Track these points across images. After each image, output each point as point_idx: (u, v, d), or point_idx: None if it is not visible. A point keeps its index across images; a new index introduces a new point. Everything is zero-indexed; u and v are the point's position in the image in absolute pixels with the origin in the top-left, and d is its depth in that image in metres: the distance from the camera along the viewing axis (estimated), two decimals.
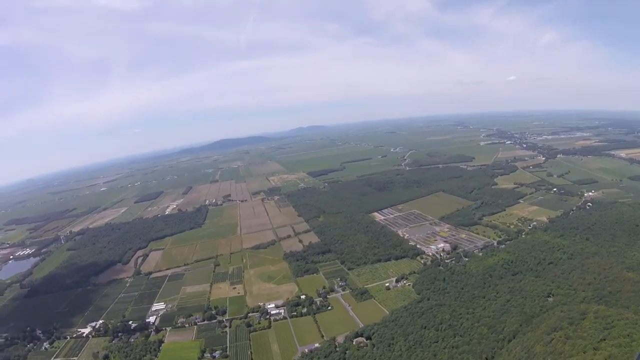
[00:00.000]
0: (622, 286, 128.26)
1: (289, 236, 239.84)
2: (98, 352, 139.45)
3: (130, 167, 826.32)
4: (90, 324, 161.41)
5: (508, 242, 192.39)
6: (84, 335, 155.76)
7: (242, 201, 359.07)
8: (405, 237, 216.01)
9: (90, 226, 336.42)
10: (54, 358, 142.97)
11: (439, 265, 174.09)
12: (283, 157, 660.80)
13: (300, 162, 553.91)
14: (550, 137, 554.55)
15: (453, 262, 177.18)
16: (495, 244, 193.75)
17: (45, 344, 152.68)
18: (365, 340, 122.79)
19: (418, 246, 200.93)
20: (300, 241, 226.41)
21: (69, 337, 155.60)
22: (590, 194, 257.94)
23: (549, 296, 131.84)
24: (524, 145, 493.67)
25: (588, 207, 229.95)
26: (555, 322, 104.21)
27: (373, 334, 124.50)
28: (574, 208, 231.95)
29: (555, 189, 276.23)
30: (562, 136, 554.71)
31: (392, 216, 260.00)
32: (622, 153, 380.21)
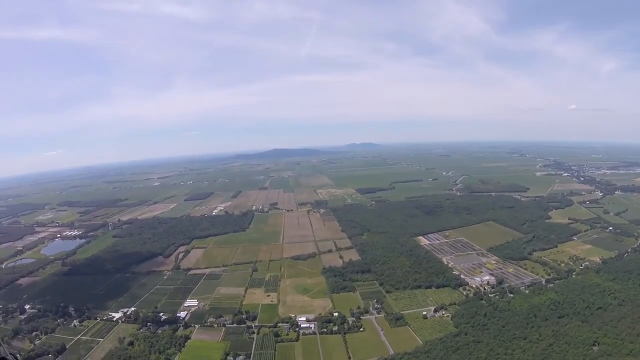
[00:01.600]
0: None
1: (330, 250, 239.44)
2: (124, 338, 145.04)
3: (185, 167, 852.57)
4: (122, 310, 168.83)
5: (557, 281, 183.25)
6: (114, 319, 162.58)
7: (288, 210, 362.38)
8: (450, 266, 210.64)
9: (139, 217, 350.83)
10: (81, 336, 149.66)
11: (482, 299, 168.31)
12: (333, 171, 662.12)
13: (349, 177, 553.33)
14: (609, 171, 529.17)
15: (497, 297, 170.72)
16: (544, 282, 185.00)
17: (75, 321, 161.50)
18: None
19: (462, 276, 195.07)
20: (341, 257, 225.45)
21: (99, 319, 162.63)
22: None
23: (594, 344, 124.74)
24: (582, 179, 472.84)
25: None
26: None
27: None
28: (629, 250, 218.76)
29: (611, 228, 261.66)
30: (622, 171, 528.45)
31: (437, 242, 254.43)
32: None
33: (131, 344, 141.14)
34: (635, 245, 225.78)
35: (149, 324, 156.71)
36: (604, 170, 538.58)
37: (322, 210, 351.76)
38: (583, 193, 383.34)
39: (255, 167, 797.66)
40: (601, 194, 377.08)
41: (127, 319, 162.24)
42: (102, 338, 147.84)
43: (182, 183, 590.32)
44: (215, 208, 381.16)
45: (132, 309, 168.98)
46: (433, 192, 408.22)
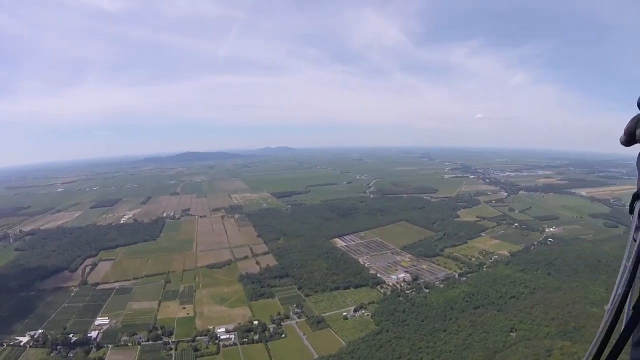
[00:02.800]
0: (586, 322, 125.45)
1: (246, 257, 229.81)
2: None
3: (92, 171, 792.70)
4: (29, 333, 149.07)
5: (469, 274, 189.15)
6: (22, 344, 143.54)
7: (201, 217, 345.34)
8: (366, 265, 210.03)
9: (42, 227, 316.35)
10: None
11: (399, 296, 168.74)
12: (248, 175, 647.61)
13: (265, 181, 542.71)
14: (512, 173, 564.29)
15: (413, 293, 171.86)
16: (457, 276, 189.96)
17: None
18: None
19: (378, 275, 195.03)
20: (258, 263, 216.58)
21: (5, 344, 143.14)
22: (551, 229, 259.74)
23: (511, 331, 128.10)
24: (487, 180, 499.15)
25: (549, 242, 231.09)
26: (520, 359, 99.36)
27: None
28: (535, 243, 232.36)
29: (516, 224, 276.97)
30: (525, 173, 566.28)
31: (353, 243, 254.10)
32: (583, 191, 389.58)
33: None
34: (541, 239, 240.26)
35: (59, 347, 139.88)
36: (508, 173, 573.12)
37: (237, 216, 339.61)
38: (489, 193, 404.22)
39: (167, 171, 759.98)
40: (506, 194, 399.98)
41: (35, 342, 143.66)
42: None
43: (87, 189, 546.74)
44: (124, 216, 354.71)
45: (40, 331, 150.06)
46: (347, 195, 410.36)
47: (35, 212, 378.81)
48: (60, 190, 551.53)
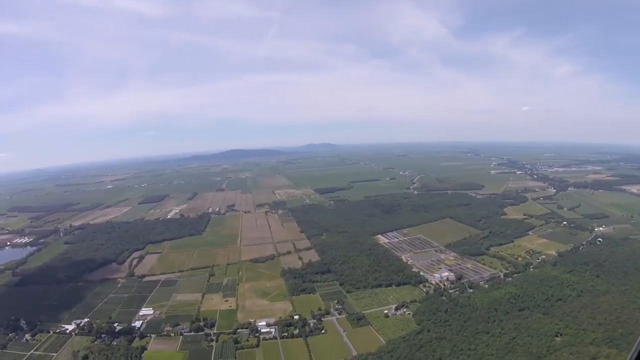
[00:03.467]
0: (634, 328, 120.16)
1: (289, 252, 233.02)
2: (78, 351, 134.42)
3: (140, 169, 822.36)
4: (75, 321, 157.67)
5: (515, 275, 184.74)
6: (68, 331, 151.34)
7: (245, 212, 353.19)
8: (409, 263, 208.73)
9: (91, 222, 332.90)
10: (34, 350, 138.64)
11: (442, 295, 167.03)
12: (292, 171, 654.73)
13: (308, 177, 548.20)
14: (561, 169, 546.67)
15: (457, 292, 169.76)
16: (502, 276, 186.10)
17: (27, 335, 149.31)
18: None
19: (421, 273, 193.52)
20: (300, 258, 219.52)
21: (51, 332, 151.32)
22: (601, 229, 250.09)
23: (557, 335, 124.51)
24: (535, 177, 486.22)
25: (599, 243, 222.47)
26: None
27: None
28: (584, 243, 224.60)
29: (565, 222, 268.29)
30: (573, 169, 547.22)
31: (396, 240, 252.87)
32: (634, 188, 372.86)
33: (85, 357, 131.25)
34: (590, 239, 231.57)
35: (103, 335, 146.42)
36: (556, 168, 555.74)
37: (280, 211, 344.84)
38: (537, 190, 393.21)
39: (212, 168, 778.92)
40: (554, 191, 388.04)
41: (80, 330, 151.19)
42: (56, 352, 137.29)
43: (136, 185, 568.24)
44: (171, 211, 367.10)
45: (86, 320, 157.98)
46: (391, 191, 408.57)
47: (84, 208, 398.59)
48: (109, 187, 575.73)
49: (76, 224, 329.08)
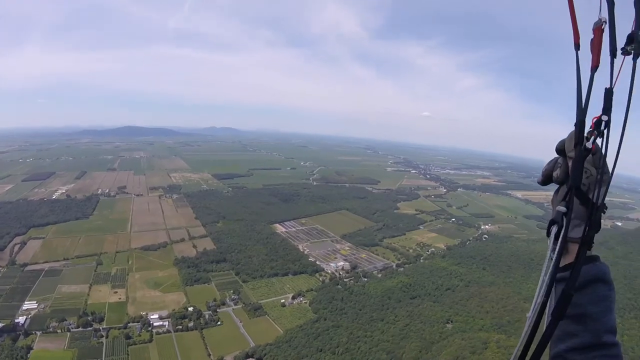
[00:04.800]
0: (520, 316, 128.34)
1: (182, 239, 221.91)
2: None
3: (26, 141, 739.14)
4: None
5: (407, 265, 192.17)
6: None
7: (137, 195, 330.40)
8: (305, 252, 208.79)
9: None
10: None
11: (338, 284, 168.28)
12: (190, 154, 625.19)
13: (206, 162, 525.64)
14: (452, 171, 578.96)
15: (352, 281, 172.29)
16: (394, 266, 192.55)
17: None
18: None
19: (317, 262, 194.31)
20: (195, 246, 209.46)
21: None
22: (487, 227, 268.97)
23: (448, 322, 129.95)
24: (428, 176, 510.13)
25: (484, 239, 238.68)
26: (457, 351, 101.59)
27: (265, 355, 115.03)
28: (471, 238, 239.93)
29: (454, 219, 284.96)
30: (464, 172, 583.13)
31: (294, 229, 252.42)
32: (519, 194, 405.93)
33: None
34: (476, 235, 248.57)
35: None
36: (448, 170, 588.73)
37: (175, 196, 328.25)
38: (429, 188, 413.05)
39: (104, 145, 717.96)
40: (445, 190, 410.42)
41: None
42: None
43: (20, 160, 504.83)
44: (57, 191, 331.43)
45: None
46: (291, 181, 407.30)
47: None
48: None
49: None
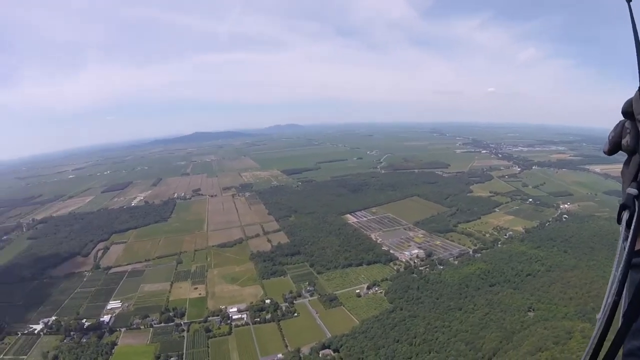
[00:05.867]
0: None
1: (257, 235, 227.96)
2: (48, 352, 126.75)
3: (101, 156, 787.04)
4: (42, 320, 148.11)
5: (484, 251, 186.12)
6: (36, 332, 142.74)
7: (211, 196, 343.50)
8: (378, 242, 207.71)
9: (54, 214, 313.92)
10: (3, 355, 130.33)
11: (413, 273, 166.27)
12: (257, 153, 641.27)
13: (274, 159, 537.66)
14: (525, 149, 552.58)
15: (427, 269, 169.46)
16: (471, 252, 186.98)
17: None
18: (332, 353, 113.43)
19: (391, 251, 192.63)
20: (269, 241, 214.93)
21: (19, 334, 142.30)
22: (565, 206, 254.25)
23: (529, 310, 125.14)
24: (500, 156, 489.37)
25: (564, 219, 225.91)
26: (540, 341, 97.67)
27: (341, 346, 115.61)
28: (550, 219, 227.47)
29: (530, 200, 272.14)
30: (537, 149, 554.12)
31: (365, 219, 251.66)
32: (597, 168, 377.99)
33: (56, 358, 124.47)
34: (555, 215, 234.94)
35: (72, 333, 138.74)
36: (520, 148, 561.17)
37: (247, 194, 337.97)
38: (502, 168, 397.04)
39: (176, 152, 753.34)
40: (519, 169, 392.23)
41: (49, 330, 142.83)
42: (26, 355, 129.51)
43: (98, 174, 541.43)
44: (135, 198, 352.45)
45: (53, 318, 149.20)
46: (358, 171, 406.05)
47: (46, 200, 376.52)
48: (71, 177, 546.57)
49: (39, 217, 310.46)
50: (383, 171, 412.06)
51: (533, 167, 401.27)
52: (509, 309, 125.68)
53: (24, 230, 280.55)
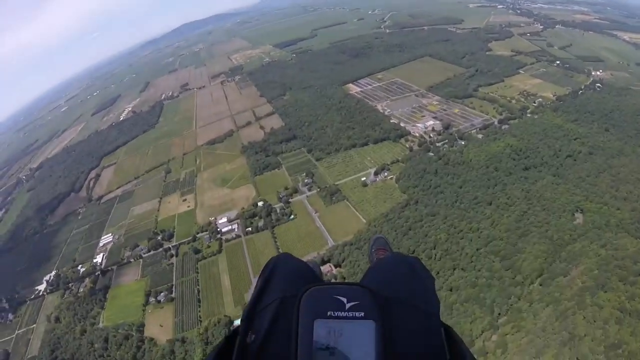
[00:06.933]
0: None
1: (249, 123, 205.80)
2: (51, 314, 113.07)
3: (92, 77, 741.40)
4: (45, 278, 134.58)
5: (512, 121, 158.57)
6: (40, 293, 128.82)
7: (199, 88, 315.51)
8: (386, 113, 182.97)
9: (49, 156, 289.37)
10: (18, 331, 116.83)
11: (429, 151, 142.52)
12: (249, 31, 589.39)
13: (266, 34, 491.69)
14: (545, 5, 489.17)
15: (446, 146, 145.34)
16: (496, 123, 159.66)
17: (10, 314, 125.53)
18: (333, 270, 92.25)
19: (402, 124, 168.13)
20: (262, 127, 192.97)
21: (27, 301, 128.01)
22: (598, 73, 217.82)
23: (576, 211, 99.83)
24: (518, 11, 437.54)
25: (598, 89, 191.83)
26: (598, 264, 72.27)
27: (343, 260, 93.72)
28: (583, 87, 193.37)
29: (558, 62, 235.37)
30: (559, 7, 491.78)
31: (370, 87, 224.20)
32: (626, 36, 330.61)
33: (57, 319, 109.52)
34: (588, 83, 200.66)
35: (70, 285, 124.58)
36: (540, 4, 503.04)
37: (237, 78, 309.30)
38: (522, 25, 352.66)
39: (164, 49, 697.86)
40: (541, 27, 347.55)
41: (50, 287, 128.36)
42: (35, 323, 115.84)
43: (88, 97, 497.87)
44: (123, 111, 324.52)
45: (54, 272, 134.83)
46: (359, 33, 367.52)
47: (42, 143, 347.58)
48: (64, 109, 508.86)
49: (35, 165, 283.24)
50: (388, 30, 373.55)
51: (556, 27, 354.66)
52: (551, 206, 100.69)
53: (24, 183, 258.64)
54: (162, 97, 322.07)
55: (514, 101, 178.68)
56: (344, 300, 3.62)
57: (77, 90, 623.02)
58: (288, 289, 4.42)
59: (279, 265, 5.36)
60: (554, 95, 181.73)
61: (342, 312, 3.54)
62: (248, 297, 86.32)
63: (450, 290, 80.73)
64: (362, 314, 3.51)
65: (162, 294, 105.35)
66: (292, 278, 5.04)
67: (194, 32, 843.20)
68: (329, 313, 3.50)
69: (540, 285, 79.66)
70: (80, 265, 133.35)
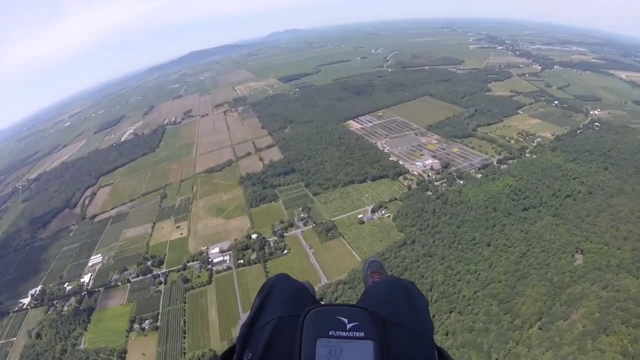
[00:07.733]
0: None
1: (248, 154, 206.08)
2: (33, 329, 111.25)
3: (97, 95, 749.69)
4: (30, 292, 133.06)
5: (511, 161, 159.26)
6: (24, 306, 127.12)
7: (202, 116, 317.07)
8: (386, 151, 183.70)
9: (48, 169, 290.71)
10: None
11: (427, 190, 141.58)
12: (254, 63, 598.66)
13: (271, 67, 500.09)
14: (544, 47, 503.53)
15: (444, 185, 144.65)
16: (495, 162, 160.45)
17: None
18: None
19: (400, 162, 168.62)
20: (261, 159, 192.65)
21: (10, 312, 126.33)
22: (596, 112, 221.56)
23: (577, 252, 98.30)
24: (517, 52, 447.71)
25: (596, 128, 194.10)
26: (599, 307, 70.32)
27: (337, 299, 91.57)
28: (581, 126, 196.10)
29: (556, 102, 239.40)
30: (557, 48, 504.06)
31: (370, 124, 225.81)
32: (622, 74, 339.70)
33: (38, 335, 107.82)
34: (586, 122, 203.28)
35: (55, 301, 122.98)
36: (538, 45, 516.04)
37: (240, 108, 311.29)
38: (521, 66, 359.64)
39: (171, 75, 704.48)
40: (540, 67, 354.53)
41: (34, 302, 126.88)
42: (15, 336, 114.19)
43: (93, 114, 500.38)
44: (125, 132, 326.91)
45: (39, 287, 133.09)
46: (362, 71, 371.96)
47: (42, 155, 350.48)
48: (66, 124, 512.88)
49: (33, 176, 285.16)
50: (390, 69, 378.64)
51: (554, 67, 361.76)
52: (551, 247, 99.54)
53: (20, 193, 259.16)
54: (165, 122, 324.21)
55: (512, 141, 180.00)
56: (345, 320, 3.91)
57: (82, 107, 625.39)
58: (285, 309, 4.77)
59: (276, 285, 5.62)
60: (552, 135, 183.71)
61: (344, 332, 3.82)
62: (235, 332, 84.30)
63: (446, 334, 78.60)
64: (362, 334, 3.79)
65: (147, 321, 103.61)
66: (289, 298, 5.28)
67: (201, 61, 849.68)
68: (330, 332, 3.78)
69: (540, 329, 77.90)
70: (67, 283, 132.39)
